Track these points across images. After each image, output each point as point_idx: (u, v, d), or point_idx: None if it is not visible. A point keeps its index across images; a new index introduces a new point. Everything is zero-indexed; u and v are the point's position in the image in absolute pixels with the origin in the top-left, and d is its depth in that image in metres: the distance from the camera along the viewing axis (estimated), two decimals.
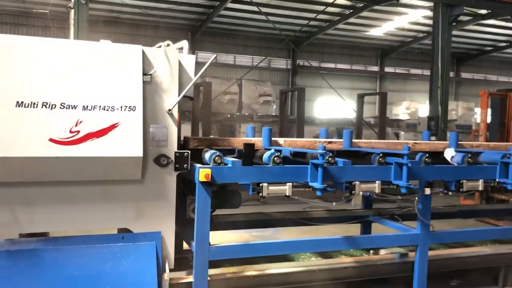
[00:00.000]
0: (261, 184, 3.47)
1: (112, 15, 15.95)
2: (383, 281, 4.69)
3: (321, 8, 15.07)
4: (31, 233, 3.34)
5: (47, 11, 13.49)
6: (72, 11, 10.78)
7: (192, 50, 16.37)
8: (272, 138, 4.00)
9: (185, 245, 4.10)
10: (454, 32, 14.45)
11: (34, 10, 14.92)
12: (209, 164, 3.50)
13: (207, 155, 3.56)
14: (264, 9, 14.53)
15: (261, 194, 3.45)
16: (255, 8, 14.48)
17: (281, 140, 4.11)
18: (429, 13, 14.52)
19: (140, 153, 3.21)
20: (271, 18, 14.91)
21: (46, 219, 3.23)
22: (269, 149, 3.71)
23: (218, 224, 4.48)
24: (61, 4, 13.39)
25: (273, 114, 15.10)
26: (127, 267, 3.22)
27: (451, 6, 11.46)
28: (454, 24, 12.29)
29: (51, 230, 3.41)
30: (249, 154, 3.48)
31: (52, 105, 3.05)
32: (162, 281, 3.34)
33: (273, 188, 3.48)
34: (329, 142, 4.20)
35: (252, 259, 4.17)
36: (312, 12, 15.58)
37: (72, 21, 10.85)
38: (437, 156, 4.48)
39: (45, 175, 3.14)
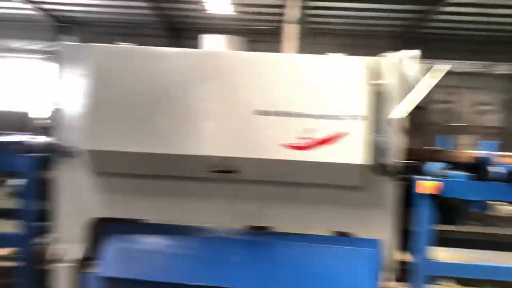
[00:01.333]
0: (493, 203, 3.20)
1: (322, 27, 16.58)
2: None
3: None
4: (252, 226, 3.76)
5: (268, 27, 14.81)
6: (288, 25, 11.70)
7: None
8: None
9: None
10: None
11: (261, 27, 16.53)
12: (431, 176, 3.37)
13: (431, 167, 3.45)
14: (483, 10, 13.18)
15: (494, 213, 3.17)
16: (474, 10, 13.27)
17: None
18: None
19: (364, 161, 3.30)
20: (494, 19, 13.44)
21: (275, 215, 3.59)
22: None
23: (438, 239, 4.25)
24: (278, 20, 14.52)
25: (495, 125, 13.56)
26: (348, 270, 3.33)
27: None
28: None
29: (277, 225, 3.78)
30: (482, 169, 3.23)
31: (284, 113, 3.36)
32: None
33: (510, 208, 3.17)
34: None
35: (469, 280, 3.87)
36: None
37: (286, 35, 11.76)
38: None
39: (277, 175, 3.49)
